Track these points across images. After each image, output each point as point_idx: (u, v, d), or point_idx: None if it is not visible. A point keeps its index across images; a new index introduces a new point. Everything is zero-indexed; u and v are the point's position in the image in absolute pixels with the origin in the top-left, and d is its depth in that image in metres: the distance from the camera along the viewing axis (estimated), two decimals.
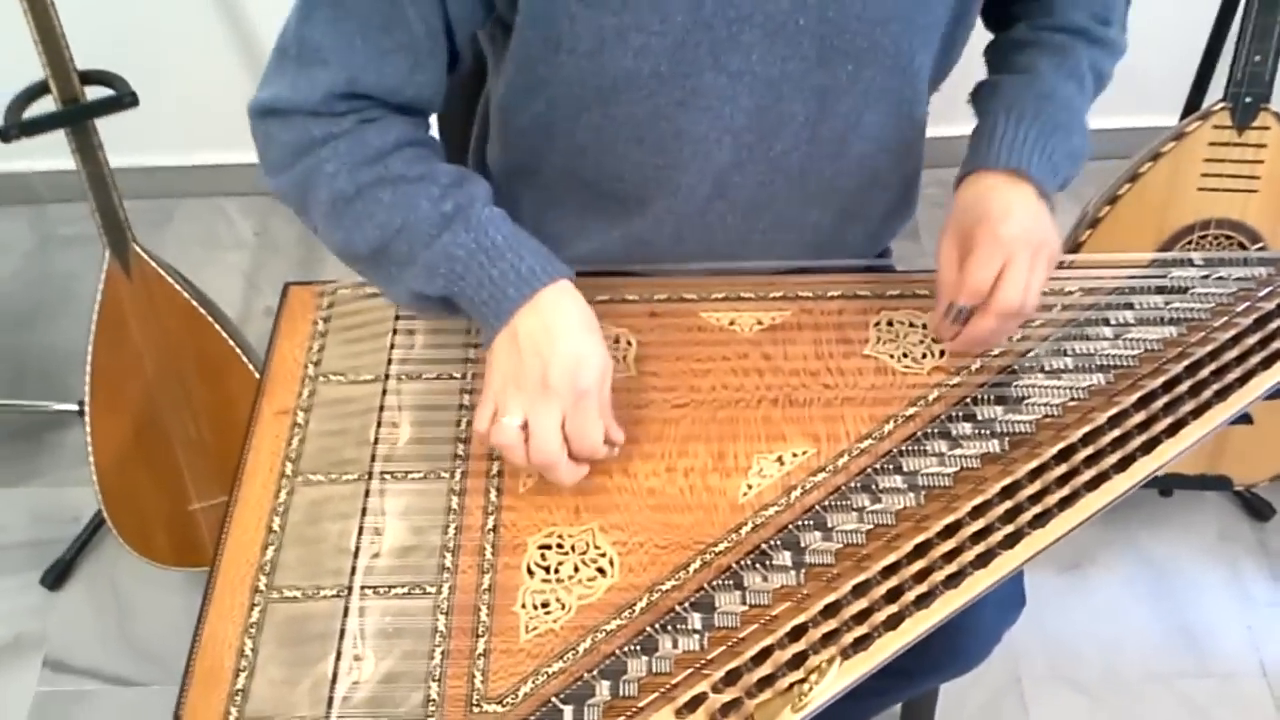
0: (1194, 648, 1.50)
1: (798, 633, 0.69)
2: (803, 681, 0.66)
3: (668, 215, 0.90)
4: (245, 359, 1.34)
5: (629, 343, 0.89)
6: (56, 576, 1.58)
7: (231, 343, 1.33)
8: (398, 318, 0.91)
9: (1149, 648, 1.49)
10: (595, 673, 0.69)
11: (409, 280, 0.80)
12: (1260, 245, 1.32)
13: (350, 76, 0.79)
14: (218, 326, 1.32)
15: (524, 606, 0.73)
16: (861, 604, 0.71)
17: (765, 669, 0.68)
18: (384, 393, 0.86)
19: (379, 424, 0.84)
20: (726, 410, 0.84)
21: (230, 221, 2.14)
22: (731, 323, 0.90)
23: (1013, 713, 1.44)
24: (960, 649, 0.98)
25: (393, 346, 0.89)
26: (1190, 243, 1.33)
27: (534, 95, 0.86)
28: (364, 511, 0.78)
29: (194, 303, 1.30)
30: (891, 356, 0.88)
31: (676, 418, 0.84)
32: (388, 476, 0.80)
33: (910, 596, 0.71)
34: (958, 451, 0.80)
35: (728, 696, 0.67)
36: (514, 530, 0.77)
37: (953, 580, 0.72)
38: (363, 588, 0.74)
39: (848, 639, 0.69)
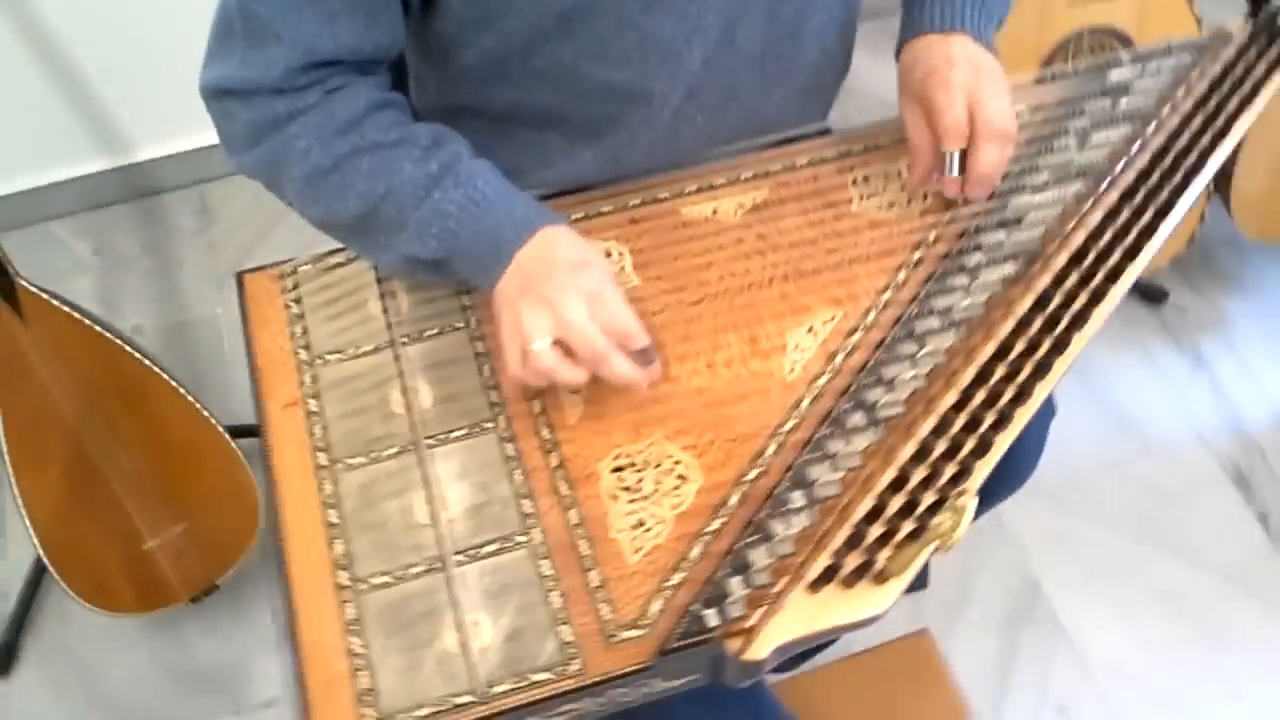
0: (1132, 429, 1.61)
1: (898, 483, 0.70)
2: (934, 515, 0.67)
3: (642, 128, 0.88)
4: (166, 375, 1.24)
5: (621, 254, 0.87)
6: (1, 662, 1.45)
7: (147, 361, 1.23)
8: (379, 281, 0.86)
9: (1094, 441, 1.59)
10: (721, 573, 0.68)
11: (400, 245, 0.77)
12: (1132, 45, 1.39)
13: (306, 48, 0.74)
14: (129, 348, 1.22)
15: (620, 531, 0.71)
16: (943, 443, 0.72)
17: (879, 527, 0.69)
18: (396, 358, 0.81)
19: (403, 391, 0.79)
20: (742, 296, 0.83)
21: (64, 245, 1.97)
22: (715, 212, 0.89)
23: (990, 531, 1.52)
24: (1021, 461, 1.02)
25: (385, 311, 0.84)
26: (1070, 55, 1.39)
27: (483, 30, 0.81)
28: (423, 482, 0.74)
29: (98, 328, 1.20)
30: (880, 209, 0.88)
31: (697, 315, 0.82)
32: (431, 441, 0.76)
33: (988, 421, 0.73)
34: (979, 280, 0.81)
35: (855, 561, 0.67)
36: (580, 461, 0.75)
37: (1020, 397, 0.74)
38: (454, 554, 0.71)
39: (946, 473, 0.70)
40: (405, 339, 0.82)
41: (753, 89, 0.90)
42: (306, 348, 0.83)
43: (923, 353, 0.78)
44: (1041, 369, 0.75)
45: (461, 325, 0.83)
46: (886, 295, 0.82)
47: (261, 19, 0.73)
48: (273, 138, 0.77)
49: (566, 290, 0.73)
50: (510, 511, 0.73)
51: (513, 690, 0.65)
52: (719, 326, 0.82)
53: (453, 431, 0.77)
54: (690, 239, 0.87)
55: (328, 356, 0.82)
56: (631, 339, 0.74)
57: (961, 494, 0.68)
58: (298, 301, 0.86)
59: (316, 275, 0.88)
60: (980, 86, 0.82)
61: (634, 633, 0.67)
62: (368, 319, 0.84)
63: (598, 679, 0.65)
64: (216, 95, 0.78)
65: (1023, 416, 0.73)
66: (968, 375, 0.75)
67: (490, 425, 0.77)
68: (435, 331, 0.83)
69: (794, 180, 0.91)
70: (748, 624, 0.66)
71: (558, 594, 0.69)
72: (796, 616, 0.66)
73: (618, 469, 0.74)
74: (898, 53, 0.89)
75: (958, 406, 0.74)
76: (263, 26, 0.73)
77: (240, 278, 0.88)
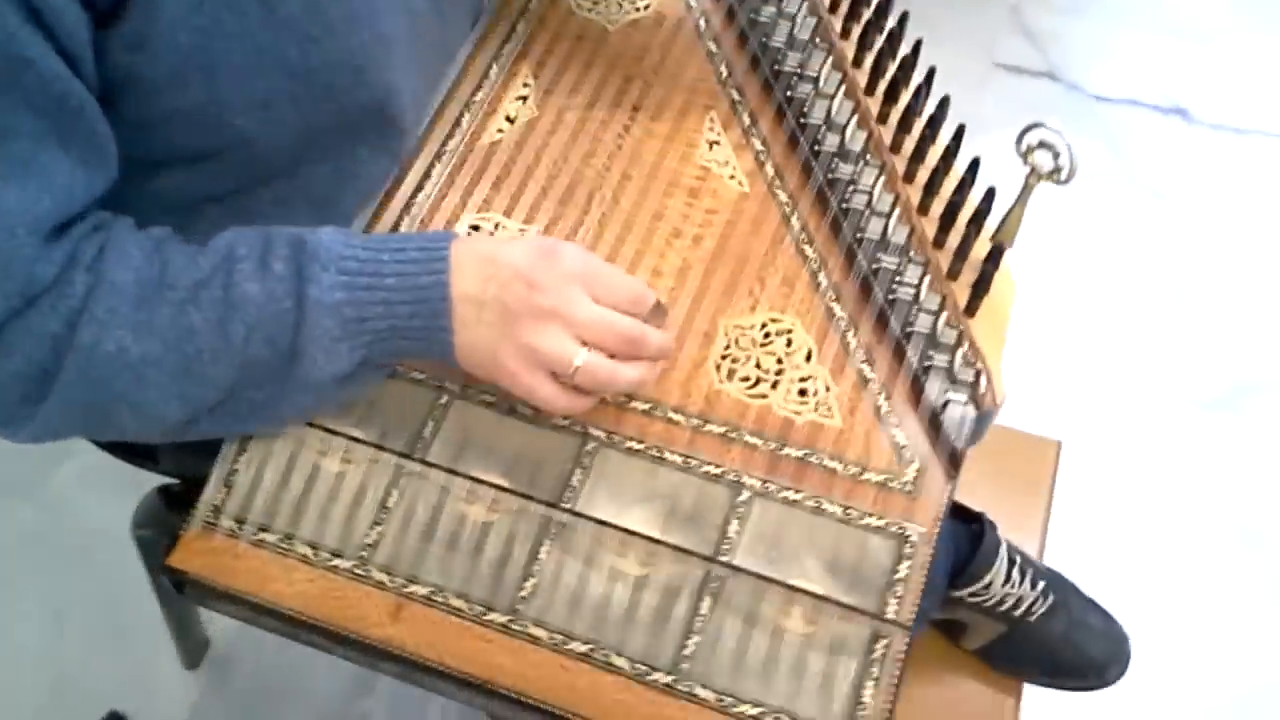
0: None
1: (931, 185, 0.71)
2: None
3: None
4: None
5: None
6: None
7: None
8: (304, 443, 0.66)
9: None
10: (913, 358, 0.66)
11: (305, 377, 0.60)
12: None
13: (27, 226, 0.54)
14: None
15: (798, 413, 0.66)
16: (918, 131, 0.74)
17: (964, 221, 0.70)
18: (421, 476, 0.64)
19: (467, 494, 0.63)
20: (615, 161, 0.75)
21: None
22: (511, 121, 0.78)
23: None
24: None
25: (347, 459, 0.65)
26: None
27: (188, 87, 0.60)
28: (589, 550, 0.62)
29: None
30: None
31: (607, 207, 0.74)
32: (562, 514, 0.63)
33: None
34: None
35: (975, 264, 0.68)
36: (695, 396, 0.66)
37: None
38: (713, 579, 0.61)
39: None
40: (403, 453, 0.65)
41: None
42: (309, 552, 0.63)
43: (822, 84, 0.76)
44: None
45: (441, 395, 0.67)
46: (728, 77, 0.79)
47: None
48: (64, 365, 0.56)
49: (559, 288, 0.61)
50: (711, 492, 0.63)
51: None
52: (629, 202, 0.74)
53: (568, 484, 0.64)
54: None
55: (359, 551, 0.63)
56: (644, 301, 0.65)
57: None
58: (243, 528, 0.64)
59: (245, 490, 0.65)
60: None
61: (914, 466, 0.64)
62: (336, 477, 0.65)
63: (937, 517, 0.62)
64: None
65: None
66: (865, 70, 0.76)
67: (592, 447, 0.65)
68: (428, 427, 0.66)
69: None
70: (974, 380, 0.66)
71: (834, 508, 0.63)
72: (989, 339, 0.67)
73: (731, 376, 0.67)
74: None
75: (889, 98, 0.75)
76: None
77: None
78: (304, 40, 0.61)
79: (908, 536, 0.62)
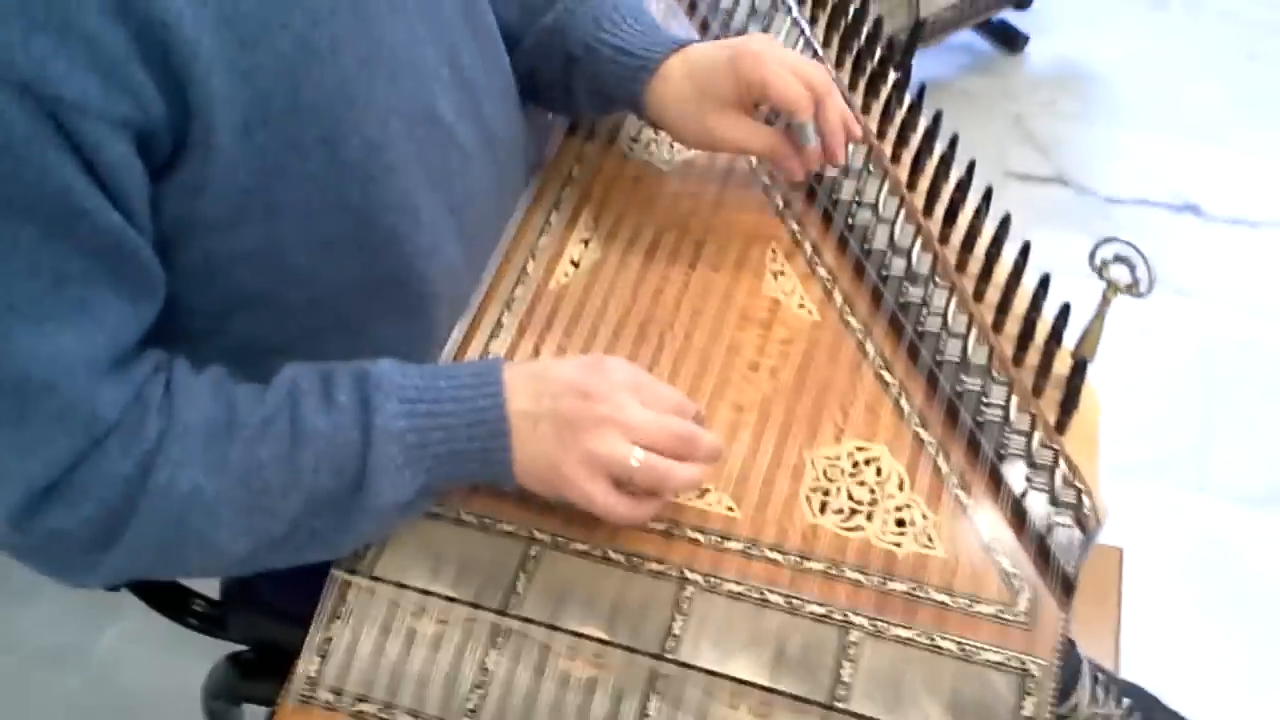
0: None
1: (1004, 304, 0.71)
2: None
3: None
4: None
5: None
6: None
7: None
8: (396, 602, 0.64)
9: None
10: (1013, 482, 0.65)
11: (370, 505, 0.61)
12: None
13: (87, 366, 0.55)
14: None
15: (899, 545, 0.64)
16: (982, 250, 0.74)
17: (1041, 341, 0.70)
18: (506, 635, 0.62)
19: (568, 648, 0.61)
20: (678, 306, 0.75)
21: None
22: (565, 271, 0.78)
23: None
24: None
25: (427, 615, 0.63)
26: None
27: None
28: (699, 703, 0.60)
29: None
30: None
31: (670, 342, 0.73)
32: (663, 669, 0.61)
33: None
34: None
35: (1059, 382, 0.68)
36: (791, 531, 0.65)
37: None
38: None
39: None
40: (499, 610, 0.63)
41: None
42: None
43: (881, 210, 0.77)
44: None
45: (532, 546, 0.65)
46: (785, 209, 0.80)
47: (21, 370, 0.53)
48: (138, 507, 0.56)
49: (612, 397, 0.62)
50: (819, 634, 0.61)
51: None
52: (702, 337, 0.74)
53: (669, 632, 0.62)
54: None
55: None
56: (687, 408, 0.66)
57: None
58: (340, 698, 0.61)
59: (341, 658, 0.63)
60: (768, 51, 0.73)
61: (1025, 596, 0.62)
62: (432, 639, 0.62)
63: (1054, 648, 0.60)
64: (26, 515, 0.55)
65: None
66: (921, 192, 0.77)
67: (690, 592, 0.63)
68: (521, 580, 0.64)
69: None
70: (1076, 501, 0.64)
71: (949, 644, 0.61)
72: (1083, 457, 0.66)
73: (825, 510, 0.66)
74: (634, 104, 0.77)
75: (949, 220, 0.76)
76: (24, 379, 0.54)
77: None
78: (365, 181, 0.62)
79: (1028, 670, 0.59)
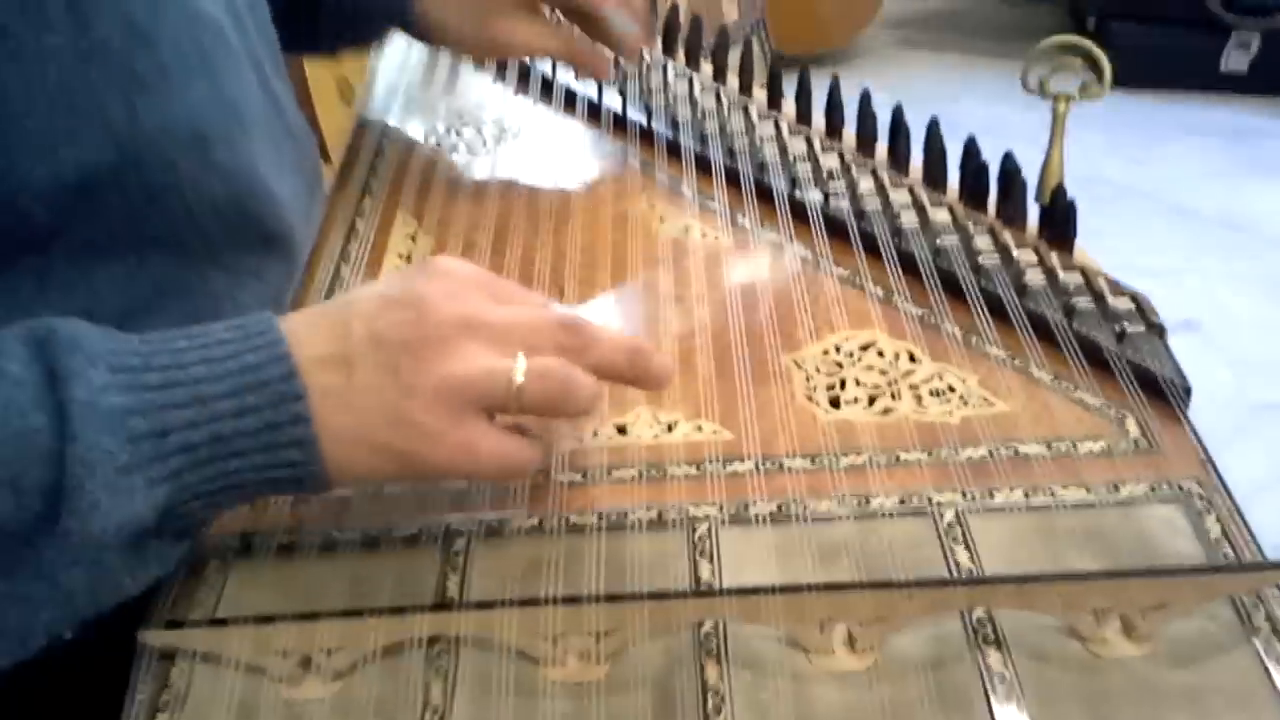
0: None
1: None
2: None
3: None
4: None
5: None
6: None
7: None
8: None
9: None
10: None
11: (75, 532, 0.36)
12: None
13: None
14: None
15: (949, 414, 0.47)
16: None
17: None
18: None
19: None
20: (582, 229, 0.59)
21: None
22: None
23: None
24: None
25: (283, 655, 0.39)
26: None
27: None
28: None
29: None
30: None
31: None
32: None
33: None
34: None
35: None
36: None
37: None
38: None
39: None
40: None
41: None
42: None
43: (759, 125, 0.65)
44: None
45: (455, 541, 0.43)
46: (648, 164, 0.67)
47: None
48: None
49: (456, 296, 0.41)
50: (905, 530, 0.42)
51: None
52: (608, 280, 0.57)
53: (673, 595, 0.41)
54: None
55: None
56: (551, 308, 0.45)
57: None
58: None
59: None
60: None
61: (1129, 419, 0.47)
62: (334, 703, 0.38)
63: (1204, 460, 0.44)
64: None
65: None
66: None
67: (691, 534, 0.43)
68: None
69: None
70: (1135, 306, 0.51)
71: (1076, 494, 0.43)
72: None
73: (838, 404, 0.48)
74: (402, 15, 0.65)
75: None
76: None
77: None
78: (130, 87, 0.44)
79: (1185, 489, 0.43)
